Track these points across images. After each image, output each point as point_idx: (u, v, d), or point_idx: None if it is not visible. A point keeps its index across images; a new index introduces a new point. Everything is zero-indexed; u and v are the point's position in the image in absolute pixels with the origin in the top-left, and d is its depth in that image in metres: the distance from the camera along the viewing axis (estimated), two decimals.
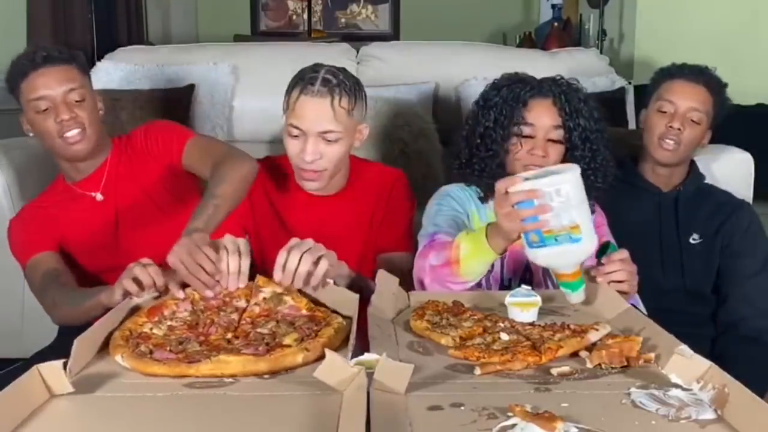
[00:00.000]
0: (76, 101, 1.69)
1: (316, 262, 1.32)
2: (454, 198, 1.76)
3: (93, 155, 1.77)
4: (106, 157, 1.81)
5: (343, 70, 1.71)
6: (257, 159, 1.74)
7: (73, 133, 1.69)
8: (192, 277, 1.29)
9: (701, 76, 1.95)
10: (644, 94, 2.05)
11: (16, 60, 1.72)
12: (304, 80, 1.65)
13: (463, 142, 1.78)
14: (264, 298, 1.29)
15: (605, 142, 1.76)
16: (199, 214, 1.44)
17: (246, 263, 1.32)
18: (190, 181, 1.81)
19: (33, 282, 1.72)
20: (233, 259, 1.31)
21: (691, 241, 1.99)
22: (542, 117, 1.69)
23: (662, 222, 2.00)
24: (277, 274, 1.31)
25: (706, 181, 2.09)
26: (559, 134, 1.70)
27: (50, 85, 1.67)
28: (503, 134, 1.71)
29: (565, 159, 1.72)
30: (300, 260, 1.31)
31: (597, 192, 1.77)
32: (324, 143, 1.64)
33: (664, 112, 1.94)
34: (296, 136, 1.65)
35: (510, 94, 1.71)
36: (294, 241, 1.35)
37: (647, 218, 2.00)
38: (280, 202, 1.77)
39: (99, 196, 1.79)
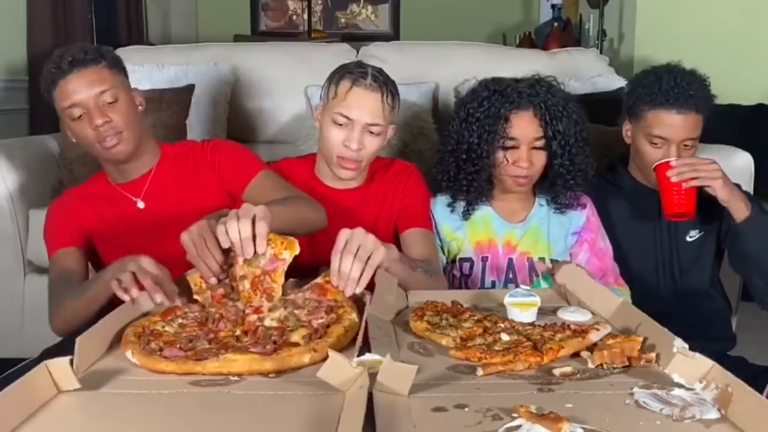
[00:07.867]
0: (109, 103, 1.65)
1: (366, 262, 1.29)
2: (437, 220, 1.84)
3: (137, 157, 1.73)
4: (152, 165, 1.78)
5: (383, 71, 1.75)
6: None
7: (110, 139, 1.65)
8: (199, 260, 1.28)
9: (690, 100, 1.83)
10: (625, 101, 1.94)
11: (45, 68, 1.66)
12: (353, 73, 1.70)
13: (450, 157, 1.80)
14: (245, 260, 1.28)
15: (584, 141, 1.77)
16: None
17: (261, 227, 1.25)
18: None
19: (50, 278, 1.69)
20: (243, 224, 1.25)
21: (688, 239, 1.95)
22: (524, 129, 1.72)
23: (655, 223, 1.95)
24: (334, 279, 1.28)
25: None
26: (541, 142, 1.73)
27: (80, 91, 1.62)
28: (488, 149, 1.73)
29: (547, 164, 1.76)
30: (352, 265, 1.27)
31: (579, 190, 1.80)
32: (368, 135, 1.70)
33: (656, 145, 1.87)
34: (342, 124, 1.70)
35: (491, 109, 1.73)
36: (344, 234, 1.30)
37: (642, 220, 1.96)
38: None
39: (140, 203, 1.75)
